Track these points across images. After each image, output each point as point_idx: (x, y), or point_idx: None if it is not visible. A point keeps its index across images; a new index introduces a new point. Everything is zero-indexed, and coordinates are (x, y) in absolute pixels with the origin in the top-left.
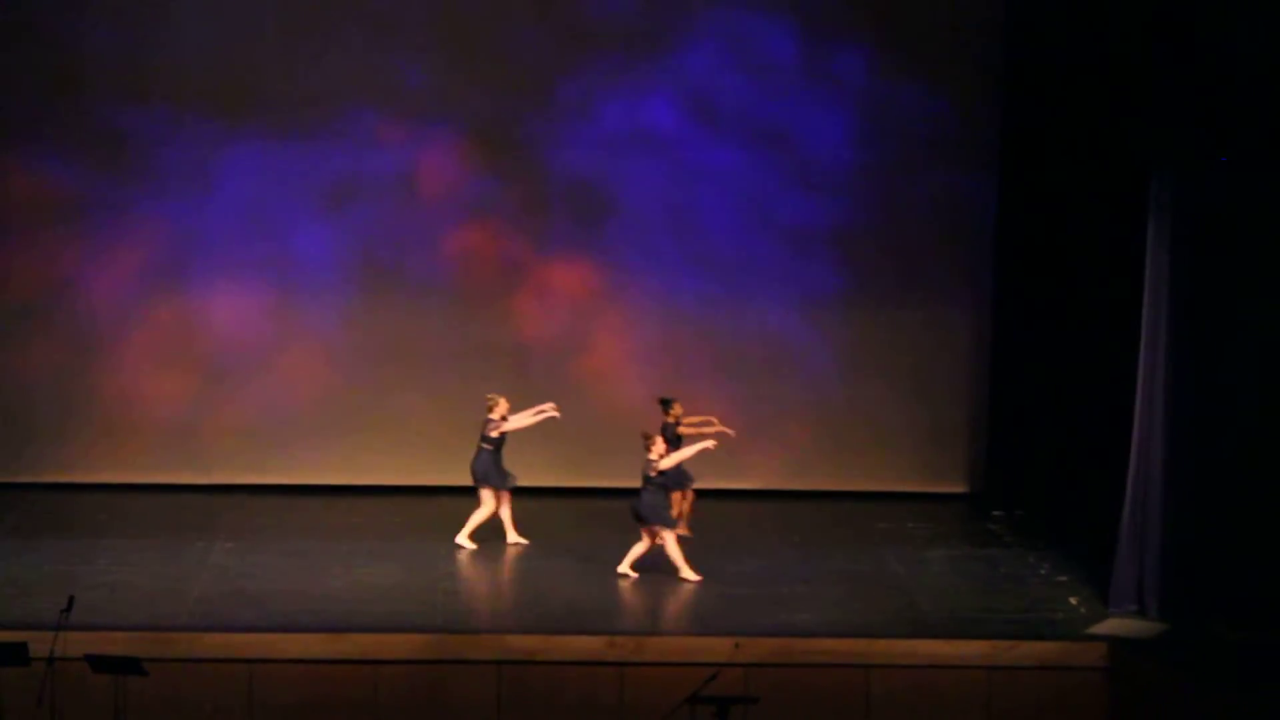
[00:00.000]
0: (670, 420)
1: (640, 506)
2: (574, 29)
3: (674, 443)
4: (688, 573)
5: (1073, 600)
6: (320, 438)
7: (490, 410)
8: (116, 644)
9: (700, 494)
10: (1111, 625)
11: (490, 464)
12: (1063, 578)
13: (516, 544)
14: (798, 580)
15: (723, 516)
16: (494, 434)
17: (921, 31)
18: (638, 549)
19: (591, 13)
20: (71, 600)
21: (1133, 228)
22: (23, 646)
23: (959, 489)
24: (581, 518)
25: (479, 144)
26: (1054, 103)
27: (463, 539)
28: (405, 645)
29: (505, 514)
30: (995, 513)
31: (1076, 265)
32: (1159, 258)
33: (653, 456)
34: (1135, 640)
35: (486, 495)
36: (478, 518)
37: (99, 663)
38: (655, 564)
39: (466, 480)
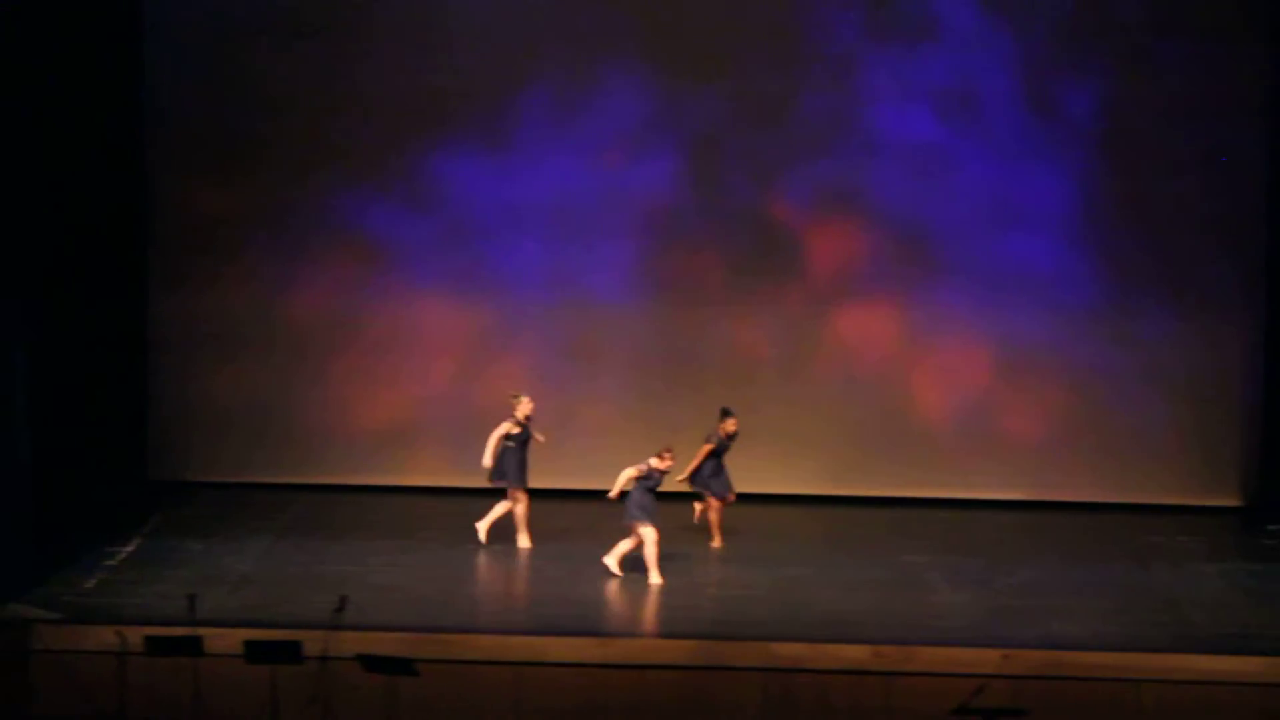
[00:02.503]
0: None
1: (627, 503)
2: (805, 39)
3: (721, 454)
4: (655, 576)
5: None
6: (583, 443)
7: (515, 409)
8: (388, 644)
9: (969, 504)
10: None
11: (514, 462)
12: None
13: (524, 546)
14: (1066, 592)
15: (992, 527)
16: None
17: (1193, 37)
18: (623, 545)
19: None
20: (344, 600)
21: None
22: (296, 645)
23: (1232, 502)
24: (845, 527)
25: (705, 158)
26: None
27: (482, 530)
28: (672, 651)
29: (523, 513)
30: (1270, 527)
31: None
32: None
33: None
34: None
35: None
36: (498, 513)
37: (371, 663)
38: (906, 576)
39: (753, 487)
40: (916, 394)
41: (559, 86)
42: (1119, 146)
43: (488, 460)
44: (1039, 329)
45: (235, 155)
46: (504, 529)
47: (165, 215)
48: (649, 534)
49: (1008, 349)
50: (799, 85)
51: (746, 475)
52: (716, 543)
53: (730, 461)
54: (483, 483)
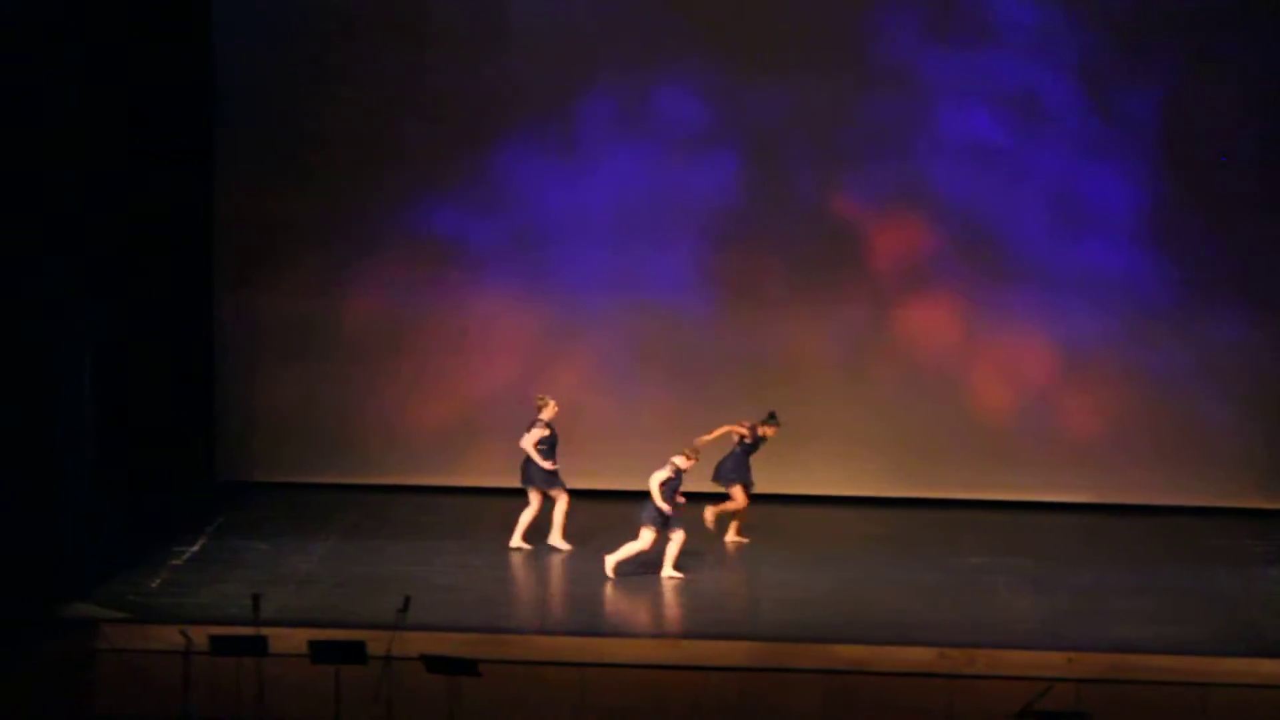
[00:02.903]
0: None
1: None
2: (866, 39)
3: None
4: (610, 562)
5: None
6: (644, 445)
7: (540, 411)
8: (451, 645)
9: (1031, 507)
10: None
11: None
12: None
13: (558, 548)
14: (1131, 595)
15: (1055, 529)
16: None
17: (1255, 32)
18: (671, 552)
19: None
20: (408, 600)
21: None
22: (360, 645)
23: None
24: (906, 529)
25: (766, 158)
26: None
27: (516, 541)
28: (733, 652)
29: (561, 513)
30: None
31: None
32: None
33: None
34: None
35: (534, 496)
36: (528, 517)
37: (434, 663)
38: (968, 578)
39: (789, 488)
40: (978, 395)
41: (621, 87)
42: (1183, 146)
43: (547, 464)
44: (1102, 330)
45: (300, 158)
46: (543, 530)
47: (230, 217)
48: (649, 538)
49: (1071, 350)
50: (860, 86)
51: (806, 476)
52: (740, 538)
53: (790, 461)
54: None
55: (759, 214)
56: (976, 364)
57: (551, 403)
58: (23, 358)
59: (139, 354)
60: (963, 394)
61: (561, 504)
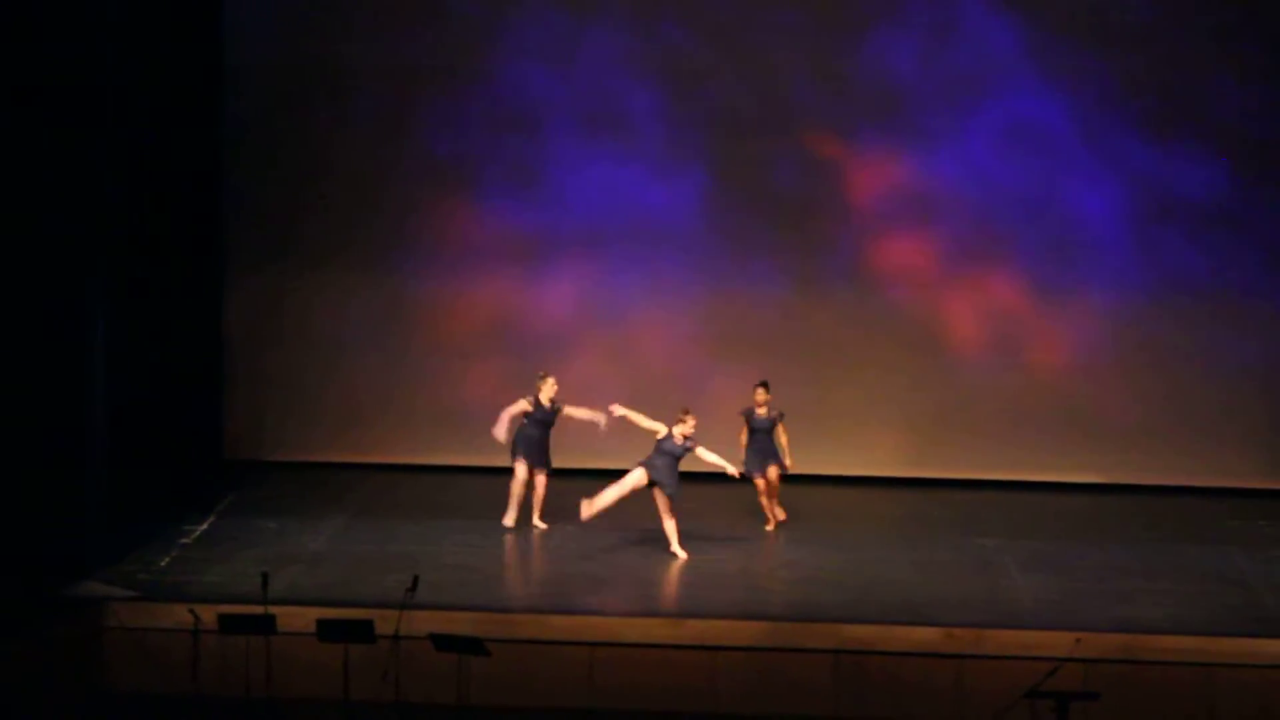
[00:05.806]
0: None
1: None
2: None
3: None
4: (677, 549)
5: None
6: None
7: (539, 390)
8: (460, 624)
9: (1041, 487)
10: None
11: (535, 442)
12: None
13: (538, 526)
14: (1140, 576)
15: (1065, 510)
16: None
17: None
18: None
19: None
20: (416, 580)
21: None
22: (368, 624)
23: None
24: (917, 509)
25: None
26: None
27: (535, 520)
28: (744, 632)
29: (538, 494)
30: None
31: None
32: None
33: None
34: None
35: (522, 469)
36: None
37: (442, 642)
38: (979, 558)
39: (802, 469)
40: (989, 375)
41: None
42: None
43: (500, 433)
44: (1113, 310)
45: (312, 142)
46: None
47: (243, 196)
48: (638, 479)
49: (1088, 330)
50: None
51: (818, 457)
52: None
53: (802, 442)
54: (561, 463)
55: (772, 200)
56: (988, 344)
57: (550, 381)
58: (32, 337)
59: (149, 332)
60: (973, 374)
61: (540, 486)
